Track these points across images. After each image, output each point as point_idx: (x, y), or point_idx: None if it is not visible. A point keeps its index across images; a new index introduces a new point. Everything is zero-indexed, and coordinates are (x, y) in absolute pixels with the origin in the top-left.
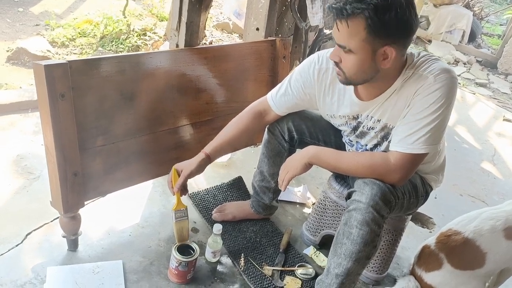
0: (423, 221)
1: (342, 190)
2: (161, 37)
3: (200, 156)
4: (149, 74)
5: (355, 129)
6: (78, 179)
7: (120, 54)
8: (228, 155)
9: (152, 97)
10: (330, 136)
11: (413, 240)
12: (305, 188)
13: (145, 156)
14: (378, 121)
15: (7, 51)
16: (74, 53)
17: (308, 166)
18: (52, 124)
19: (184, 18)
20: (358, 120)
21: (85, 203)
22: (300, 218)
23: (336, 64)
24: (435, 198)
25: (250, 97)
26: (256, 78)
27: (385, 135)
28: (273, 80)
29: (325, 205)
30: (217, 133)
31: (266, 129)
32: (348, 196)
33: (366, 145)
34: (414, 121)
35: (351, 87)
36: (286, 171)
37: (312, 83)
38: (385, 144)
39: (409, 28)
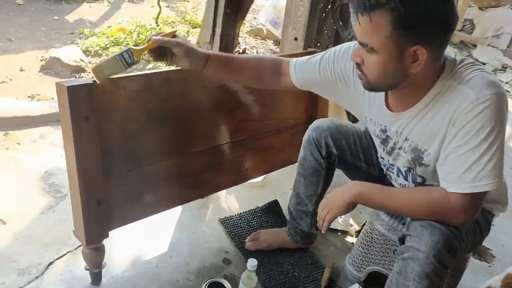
0: (480, 253)
1: (392, 222)
2: (198, 42)
3: (202, 50)
4: (179, 92)
5: (384, 143)
6: (102, 207)
7: (148, 71)
8: (262, 175)
9: (182, 116)
10: (373, 156)
11: (470, 275)
12: (347, 214)
13: (174, 180)
14: (406, 139)
15: (41, 60)
16: None
17: (352, 206)
18: (75, 149)
19: (218, 31)
20: (387, 133)
21: (110, 232)
22: (343, 248)
23: (358, 66)
24: (493, 225)
25: (288, 114)
26: (294, 93)
27: (417, 159)
28: (313, 95)
29: (371, 237)
30: (251, 154)
31: (302, 144)
32: (402, 241)
33: (398, 168)
34: (465, 153)
35: (383, 94)
36: (327, 211)
37: (346, 70)
38: (419, 169)
39: (445, 23)
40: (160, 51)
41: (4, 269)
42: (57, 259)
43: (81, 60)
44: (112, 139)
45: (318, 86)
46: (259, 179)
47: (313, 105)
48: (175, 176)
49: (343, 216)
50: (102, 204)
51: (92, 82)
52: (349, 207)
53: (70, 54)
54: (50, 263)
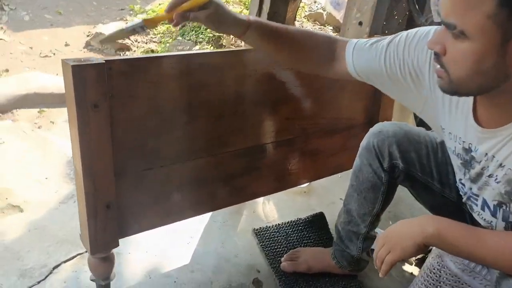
0: None
1: (468, 262)
2: None
3: (241, 16)
4: (215, 79)
5: (467, 165)
6: (111, 212)
7: (178, 52)
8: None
9: (217, 109)
10: (449, 175)
11: None
12: None
13: (202, 184)
14: (501, 166)
15: (87, 35)
16: (153, 41)
17: (423, 248)
18: (79, 142)
19: (265, 8)
20: (472, 154)
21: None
22: (399, 279)
23: (437, 57)
24: None
25: (343, 113)
26: (353, 88)
27: None
28: (376, 91)
29: (439, 276)
30: (297, 157)
31: (359, 152)
32: None
33: (485, 200)
34: None
35: (471, 100)
36: (388, 250)
37: (420, 64)
38: None
39: None
40: (182, 16)
41: (5, 268)
42: (64, 262)
43: (127, 38)
44: (127, 132)
45: (380, 81)
46: (303, 183)
47: (374, 104)
48: (204, 179)
49: None
50: (112, 208)
51: (104, 62)
52: (419, 250)
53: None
54: (56, 266)
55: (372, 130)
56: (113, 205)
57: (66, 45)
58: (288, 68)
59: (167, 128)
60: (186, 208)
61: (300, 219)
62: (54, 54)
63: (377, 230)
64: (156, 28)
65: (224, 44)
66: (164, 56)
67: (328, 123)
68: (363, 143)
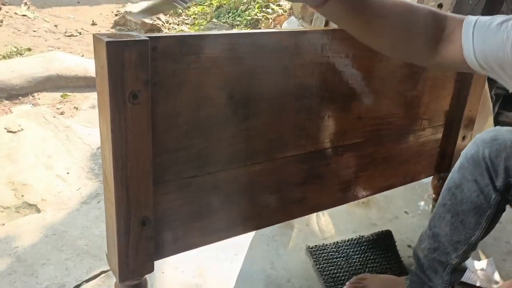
0: None
1: None
2: (286, 11)
3: None
4: (278, 66)
5: None
6: (147, 230)
7: (238, 31)
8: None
9: (278, 103)
10: None
11: None
12: (491, 264)
13: (255, 196)
14: None
15: (116, 15)
16: (186, 23)
17: None
18: (112, 142)
19: None
20: None
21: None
22: None
23: None
24: None
25: (423, 112)
26: (435, 83)
27: None
28: (462, 88)
29: None
30: (365, 164)
31: (459, 163)
32: None
33: None
34: None
35: None
36: None
37: None
38: None
39: None
40: None
41: (17, 286)
42: (86, 281)
43: (158, 18)
44: (171, 130)
45: (501, 63)
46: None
47: (458, 103)
48: (258, 189)
49: (484, 267)
50: (148, 226)
51: (148, 38)
52: None
53: None
54: (77, 287)
55: (482, 136)
56: (150, 221)
57: (93, 24)
58: (365, 56)
59: (219, 125)
60: (235, 224)
61: (362, 237)
62: (80, 33)
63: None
64: (190, 7)
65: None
66: (222, 34)
67: (404, 124)
68: (467, 152)
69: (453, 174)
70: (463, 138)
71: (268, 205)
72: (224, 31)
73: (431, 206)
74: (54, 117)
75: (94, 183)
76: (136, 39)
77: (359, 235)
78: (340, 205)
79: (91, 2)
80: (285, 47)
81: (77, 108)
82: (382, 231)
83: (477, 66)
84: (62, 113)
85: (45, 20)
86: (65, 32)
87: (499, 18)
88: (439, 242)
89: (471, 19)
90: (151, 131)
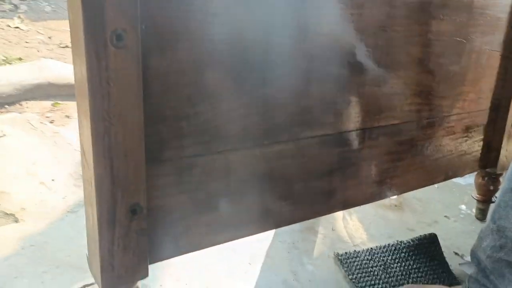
0: None
1: None
2: None
3: None
4: (301, 20)
5: None
6: (139, 221)
7: None
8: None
9: (301, 68)
10: None
11: None
12: None
13: (274, 184)
14: None
15: None
16: None
17: None
18: (90, 97)
19: None
20: None
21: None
22: None
23: None
24: None
25: (467, 93)
26: (479, 56)
27: None
28: (508, 64)
29: None
30: (404, 153)
31: None
32: None
33: None
34: None
35: None
36: None
37: None
38: None
39: None
40: None
41: None
42: None
43: None
44: (169, 91)
45: None
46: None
47: (506, 82)
48: (279, 176)
49: None
50: (140, 214)
51: None
52: None
53: None
54: None
55: None
56: (142, 209)
57: None
58: (410, 15)
59: (230, 90)
60: (249, 220)
61: (401, 242)
62: None
63: None
64: None
65: None
66: None
67: (446, 106)
68: None
69: None
70: None
71: (290, 197)
72: None
73: (474, 209)
74: (41, 123)
75: (82, 191)
76: None
77: (397, 241)
78: (375, 201)
79: None
80: None
81: (68, 117)
82: (425, 235)
83: None
84: (52, 122)
85: (38, 32)
86: (60, 44)
87: None
88: (506, 237)
89: None
90: (144, 90)
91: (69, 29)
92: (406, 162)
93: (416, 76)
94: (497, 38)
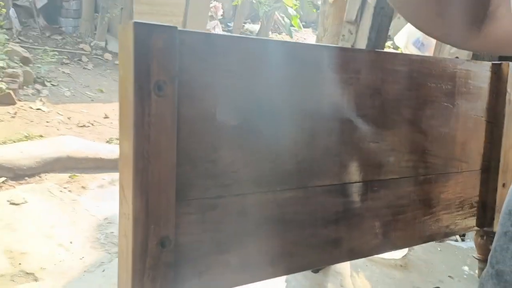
0: None
1: None
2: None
3: None
4: (310, 81)
5: None
6: (167, 254)
7: (276, 39)
8: (405, 249)
9: (311, 120)
10: None
11: None
12: None
13: (286, 228)
14: None
15: None
16: None
17: None
18: (134, 137)
19: (372, 1)
20: None
21: None
22: None
23: None
24: None
25: (459, 153)
26: (466, 121)
27: None
28: (493, 129)
29: None
30: (405, 205)
31: None
32: None
33: None
34: None
35: None
36: None
37: None
38: None
39: None
40: None
41: None
42: None
43: None
44: (196, 136)
45: None
46: (398, 255)
47: (493, 145)
48: (288, 221)
49: None
50: (168, 247)
51: (175, 26)
52: None
53: None
54: None
55: None
56: (171, 242)
57: (106, 117)
58: (400, 80)
59: (246, 138)
60: (264, 263)
61: None
62: (92, 124)
63: None
64: None
65: None
66: (254, 39)
67: (439, 164)
68: None
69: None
70: (503, 185)
71: (300, 242)
72: (255, 37)
73: (477, 270)
74: (60, 191)
75: (100, 252)
76: (164, 24)
77: None
78: (379, 253)
79: (104, 100)
80: (320, 63)
81: (84, 187)
82: None
83: None
84: (70, 191)
85: (58, 113)
86: (78, 123)
87: None
88: (506, 281)
89: None
90: (178, 133)
91: (86, 111)
92: (406, 216)
93: (410, 135)
94: (481, 105)
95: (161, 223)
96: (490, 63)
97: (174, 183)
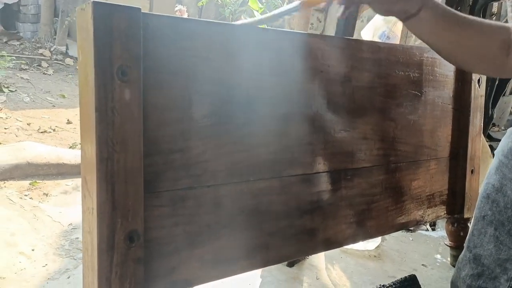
0: None
1: None
2: None
3: None
4: (281, 68)
5: None
6: (136, 249)
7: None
8: (378, 240)
9: (282, 107)
10: None
11: None
12: None
13: (261, 219)
14: None
15: None
16: None
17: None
18: (96, 124)
19: None
20: None
21: None
22: None
23: None
24: None
25: (428, 141)
26: (434, 109)
27: None
28: (460, 117)
29: None
30: (378, 194)
31: (494, 162)
32: None
33: None
34: None
35: None
36: None
37: None
38: None
39: None
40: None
41: None
42: None
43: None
44: (164, 125)
45: None
46: (371, 246)
47: (460, 132)
48: (263, 212)
49: None
50: (137, 242)
51: (138, 7)
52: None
53: None
54: None
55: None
56: (140, 237)
57: (68, 122)
58: (370, 68)
59: (217, 127)
60: (239, 256)
61: (383, 286)
62: (53, 130)
63: None
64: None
65: None
66: (222, 24)
67: (410, 152)
68: (503, 147)
69: (489, 179)
70: (472, 171)
71: (276, 233)
72: (223, 22)
73: (449, 258)
74: (20, 198)
75: (64, 259)
76: (127, 5)
77: (379, 285)
78: (355, 242)
79: (67, 105)
80: (290, 49)
81: (46, 194)
82: (405, 277)
83: None
84: (31, 198)
85: (17, 120)
86: (38, 129)
87: None
88: (483, 265)
89: None
90: (144, 121)
91: (47, 117)
92: (379, 204)
93: (380, 123)
94: (447, 93)
95: (129, 216)
96: None
97: (142, 173)
